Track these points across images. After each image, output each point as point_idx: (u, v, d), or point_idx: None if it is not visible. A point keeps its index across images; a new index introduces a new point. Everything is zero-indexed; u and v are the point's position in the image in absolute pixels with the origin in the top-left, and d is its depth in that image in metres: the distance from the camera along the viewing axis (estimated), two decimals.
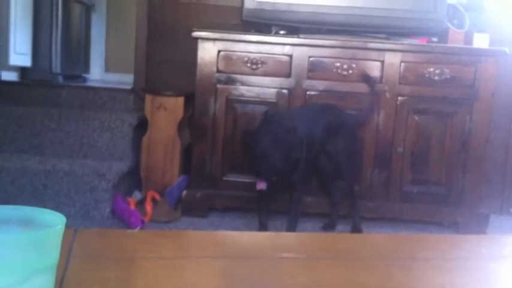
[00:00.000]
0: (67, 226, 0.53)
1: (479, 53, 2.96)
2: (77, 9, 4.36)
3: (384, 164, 2.96)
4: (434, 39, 3.12)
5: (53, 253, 0.49)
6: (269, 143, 2.35)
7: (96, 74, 5.00)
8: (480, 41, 3.04)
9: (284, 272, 0.75)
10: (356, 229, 2.77)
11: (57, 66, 3.88)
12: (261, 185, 2.39)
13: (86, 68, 4.78)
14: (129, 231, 0.95)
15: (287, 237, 1.07)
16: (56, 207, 0.53)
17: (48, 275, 0.49)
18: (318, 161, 2.67)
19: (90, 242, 0.83)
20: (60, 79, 3.90)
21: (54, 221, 0.51)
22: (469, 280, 0.78)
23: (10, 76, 3.57)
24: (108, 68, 5.15)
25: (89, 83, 4.42)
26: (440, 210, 2.98)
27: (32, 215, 0.53)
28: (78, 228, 0.83)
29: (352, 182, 2.81)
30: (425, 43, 3.07)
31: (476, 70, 2.93)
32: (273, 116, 2.61)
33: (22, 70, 3.73)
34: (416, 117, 2.96)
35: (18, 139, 2.98)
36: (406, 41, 3.06)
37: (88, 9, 4.75)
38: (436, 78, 2.93)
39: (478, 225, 2.94)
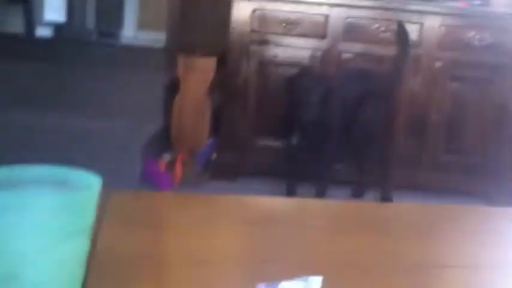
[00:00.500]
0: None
1: None
2: None
3: (418, 131, 2.91)
4: (476, 2, 3.01)
5: (88, 215, 0.49)
6: (308, 84, 2.36)
7: (130, 31, 4.98)
8: None
9: (311, 240, 0.75)
10: (386, 198, 2.74)
11: (90, 22, 3.89)
12: (295, 140, 2.41)
13: (120, 25, 4.78)
14: (161, 193, 0.95)
15: (315, 204, 1.07)
16: (87, 165, 0.53)
17: (83, 237, 0.49)
18: (350, 128, 2.63)
19: (124, 203, 0.84)
20: (94, 36, 3.91)
21: (91, 183, 0.51)
22: (501, 251, 0.77)
23: (45, 32, 3.59)
24: (141, 26, 5.14)
25: (122, 40, 4.43)
26: (472, 180, 2.93)
27: (67, 175, 0.53)
28: (112, 188, 0.84)
29: (386, 150, 2.76)
30: (466, 6, 2.97)
31: None
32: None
33: (56, 26, 3.74)
34: (453, 84, 2.88)
35: (52, 97, 3.01)
36: (447, 3, 2.95)
37: None
38: (475, 43, 2.84)
39: (511, 198, 2.89)
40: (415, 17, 2.85)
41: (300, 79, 2.41)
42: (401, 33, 2.65)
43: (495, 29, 2.84)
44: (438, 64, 2.86)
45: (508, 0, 2.98)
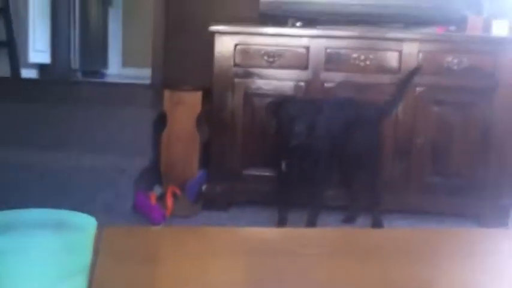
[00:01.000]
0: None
1: (499, 41, 2.93)
2: (94, 5, 4.39)
3: (404, 155, 2.95)
4: (453, 28, 3.09)
5: (85, 255, 0.50)
6: (294, 110, 2.39)
7: (114, 69, 5.03)
8: (499, 28, 3.00)
9: (306, 269, 0.76)
10: (377, 223, 2.76)
11: (75, 62, 3.92)
12: (285, 169, 2.46)
13: (104, 63, 4.82)
14: (154, 228, 0.96)
15: (308, 233, 1.08)
16: (78, 203, 0.54)
17: (81, 277, 0.50)
18: (339, 155, 2.66)
19: (117, 239, 0.84)
20: (79, 75, 3.94)
21: (86, 224, 0.52)
22: (493, 275, 0.78)
23: (30, 73, 3.61)
24: (126, 63, 5.18)
25: (107, 78, 4.46)
26: (461, 202, 2.95)
27: (63, 218, 0.54)
28: (102, 224, 0.85)
29: (375, 176, 2.79)
30: (443, 32, 3.04)
31: (496, 59, 2.89)
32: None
33: (41, 67, 3.77)
34: (436, 108, 2.93)
35: (42, 136, 3.02)
36: (424, 30, 3.03)
37: (105, 5, 4.78)
38: (455, 67, 2.90)
39: (499, 217, 2.91)
40: (393, 45, 2.91)
41: (285, 105, 2.44)
42: (407, 80, 2.73)
43: (472, 53, 2.90)
44: (419, 89, 2.91)
45: (483, 24, 3.06)
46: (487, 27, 3.04)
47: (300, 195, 2.67)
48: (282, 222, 2.60)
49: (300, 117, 2.36)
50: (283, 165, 2.46)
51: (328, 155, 2.54)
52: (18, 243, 0.47)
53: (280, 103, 2.48)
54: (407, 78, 2.76)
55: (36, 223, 0.54)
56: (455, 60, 2.90)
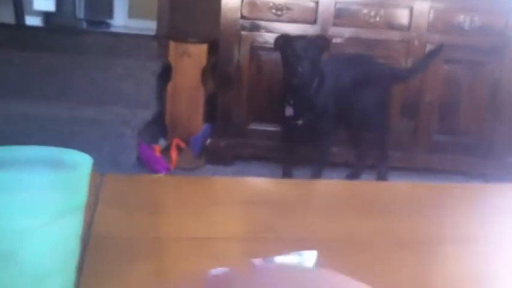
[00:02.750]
0: (94, 171, 0.53)
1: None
2: None
3: (412, 113, 2.93)
4: None
5: (80, 194, 0.50)
6: (301, 49, 2.32)
7: (120, 20, 4.96)
8: None
9: (307, 219, 0.75)
10: (381, 178, 2.76)
11: (80, 11, 3.86)
12: (290, 112, 2.41)
13: (110, 13, 4.75)
14: (155, 176, 0.96)
15: (311, 185, 1.07)
16: (82, 152, 0.53)
17: (76, 216, 0.50)
18: (347, 112, 2.64)
19: (118, 187, 0.84)
20: (84, 25, 3.89)
21: (81, 162, 0.51)
22: (497, 229, 0.78)
23: (34, 21, 3.57)
24: (131, 14, 5.11)
25: (112, 29, 4.40)
26: (468, 160, 2.95)
27: (59, 156, 0.53)
28: (106, 173, 0.84)
29: (383, 134, 2.78)
30: None
31: (508, 18, 2.84)
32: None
33: (46, 15, 3.72)
34: (445, 66, 2.90)
35: (45, 86, 3.00)
36: None
37: None
38: (466, 26, 2.85)
39: (506, 176, 2.91)
40: (404, 1, 2.85)
41: (293, 42, 2.38)
42: (436, 51, 2.71)
43: (484, 12, 2.85)
44: (429, 47, 2.87)
45: None
46: None
47: (305, 149, 2.66)
48: (286, 177, 2.61)
49: (306, 57, 2.32)
50: (288, 109, 2.42)
51: (335, 110, 2.51)
52: (14, 179, 0.46)
53: (288, 39, 2.43)
54: (429, 55, 2.75)
55: (32, 160, 0.53)
56: (467, 19, 2.85)
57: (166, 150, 2.90)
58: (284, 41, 2.41)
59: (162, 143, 3.04)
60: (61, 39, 3.30)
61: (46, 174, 0.51)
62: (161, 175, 2.25)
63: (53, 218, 0.47)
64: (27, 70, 3.01)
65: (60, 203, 0.47)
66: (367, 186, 1.10)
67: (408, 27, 2.86)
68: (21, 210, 0.46)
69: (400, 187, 1.06)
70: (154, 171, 2.63)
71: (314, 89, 2.41)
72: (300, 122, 2.46)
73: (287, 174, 2.63)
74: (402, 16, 2.86)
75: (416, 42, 2.86)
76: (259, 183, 0.98)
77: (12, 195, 0.45)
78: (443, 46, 2.75)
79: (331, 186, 1.01)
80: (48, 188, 0.47)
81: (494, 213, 0.83)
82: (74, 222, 0.50)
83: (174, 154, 2.83)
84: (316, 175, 2.55)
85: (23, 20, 3.35)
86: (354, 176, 2.84)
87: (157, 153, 2.75)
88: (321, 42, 2.44)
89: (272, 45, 2.79)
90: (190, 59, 3.07)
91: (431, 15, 2.85)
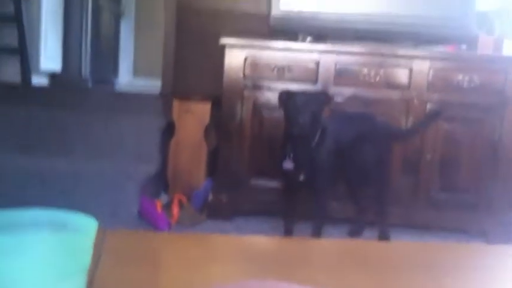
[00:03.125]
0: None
1: (509, 60, 2.93)
2: (106, 15, 4.43)
3: (412, 170, 2.94)
4: (463, 46, 3.09)
5: (84, 257, 0.50)
6: (302, 102, 2.36)
7: (125, 78, 5.06)
8: (510, 48, 3.00)
9: (309, 279, 0.75)
10: (384, 236, 2.74)
11: (86, 71, 3.94)
12: (289, 165, 2.41)
13: (115, 72, 4.85)
14: (157, 232, 0.96)
15: (313, 243, 1.07)
16: (85, 208, 0.54)
17: (79, 278, 0.50)
18: (347, 168, 2.65)
19: (120, 242, 0.84)
20: (90, 84, 3.96)
21: (87, 225, 0.52)
22: None
23: (41, 80, 3.64)
24: (136, 73, 5.22)
25: (117, 88, 4.48)
26: (467, 217, 2.94)
27: (65, 218, 0.54)
28: (106, 228, 0.85)
29: (383, 191, 2.78)
30: (454, 50, 3.04)
31: (506, 77, 2.89)
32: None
33: (52, 75, 3.79)
34: (445, 124, 2.93)
35: (48, 141, 3.03)
36: (435, 48, 3.03)
37: (117, 16, 4.83)
38: (465, 85, 2.90)
39: (506, 234, 2.89)
40: (403, 62, 2.91)
41: (295, 96, 2.42)
42: (435, 114, 2.81)
43: (483, 71, 2.91)
44: (429, 105, 2.91)
45: (494, 44, 3.07)
46: (498, 46, 3.04)
47: (305, 206, 2.66)
48: (287, 233, 2.59)
49: (307, 110, 2.35)
50: (288, 163, 2.43)
51: (335, 167, 2.53)
52: (19, 243, 0.47)
53: (291, 93, 2.48)
54: (428, 118, 2.83)
55: (37, 223, 0.54)
56: (466, 78, 2.90)
57: (167, 205, 2.90)
58: (287, 96, 2.46)
59: (164, 197, 3.04)
60: (66, 97, 3.36)
61: (51, 237, 0.52)
62: (162, 232, 2.24)
63: (56, 281, 0.47)
64: (31, 126, 3.05)
65: (63, 266, 0.48)
66: (367, 245, 1.10)
67: (408, 86, 2.91)
68: (25, 274, 0.46)
69: (400, 246, 1.06)
70: (156, 226, 2.62)
71: (315, 144, 2.42)
72: (301, 178, 2.46)
73: (288, 231, 2.62)
74: (402, 76, 2.92)
75: (416, 101, 2.90)
76: (259, 241, 0.98)
77: (17, 259, 0.46)
78: (442, 111, 2.82)
79: (331, 245, 1.01)
80: (52, 252, 0.47)
81: (493, 275, 0.83)
82: (77, 285, 0.50)
83: (175, 209, 2.83)
84: (317, 231, 2.53)
85: (30, 79, 3.42)
86: (355, 232, 2.82)
87: (159, 208, 2.75)
88: (322, 97, 2.48)
89: (274, 104, 2.84)
90: (194, 116, 3.11)
91: (430, 74, 2.91)
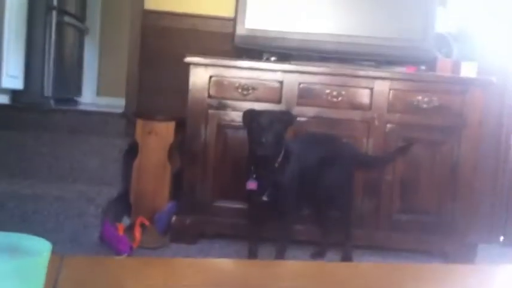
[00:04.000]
0: (55, 252, 0.53)
1: (467, 82, 3.00)
2: (70, 33, 4.38)
3: (373, 192, 2.97)
4: (423, 68, 3.17)
5: (37, 281, 0.49)
6: (265, 122, 2.37)
7: (88, 97, 5.00)
8: (468, 70, 3.08)
9: None
10: (347, 258, 2.76)
11: (49, 89, 3.88)
12: (252, 185, 2.42)
13: (78, 91, 4.79)
14: (117, 258, 0.94)
15: (277, 266, 1.07)
16: (45, 232, 0.53)
17: None
18: (311, 190, 2.67)
19: (78, 269, 0.82)
20: (52, 102, 3.90)
21: (40, 248, 0.51)
22: None
23: (1, 99, 3.56)
24: (100, 92, 5.16)
25: (80, 107, 4.42)
26: (428, 239, 2.98)
27: (18, 241, 0.53)
28: (66, 254, 0.83)
29: (347, 213, 2.81)
30: (413, 71, 3.12)
31: (464, 99, 2.96)
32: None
33: (14, 93, 3.72)
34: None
35: (8, 163, 2.97)
36: (395, 69, 3.10)
37: (81, 34, 4.78)
38: (424, 106, 2.96)
39: (467, 255, 2.94)
40: (365, 82, 2.96)
41: (258, 116, 2.43)
42: (405, 148, 2.88)
43: (442, 93, 2.97)
44: (389, 126, 2.96)
45: (453, 66, 3.15)
46: (456, 69, 3.12)
47: (269, 228, 2.66)
48: (252, 256, 2.58)
49: (270, 130, 2.36)
50: (252, 183, 2.44)
51: (299, 188, 2.54)
52: None
53: (255, 113, 2.49)
54: (399, 151, 2.89)
55: None
56: (425, 99, 2.96)
57: (130, 229, 2.85)
58: (251, 115, 2.47)
59: (126, 221, 3.00)
60: (28, 117, 3.30)
61: (3, 260, 0.51)
62: (123, 257, 2.20)
63: None
64: None
65: None
66: (331, 267, 1.10)
67: (369, 107, 2.96)
68: None
69: (362, 267, 1.07)
70: (117, 250, 2.57)
71: (278, 164, 2.43)
72: (264, 198, 2.47)
73: (252, 253, 2.61)
74: (363, 96, 2.96)
75: (376, 122, 2.95)
76: (224, 265, 0.97)
77: None
78: (413, 144, 2.88)
79: (295, 267, 1.01)
80: (5, 276, 0.46)
81: None
82: None
83: (137, 233, 2.79)
84: (280, 253, 2.54)
85: None
86: (319, 254, 2.83)
87: (121, 232, 2.70)
88: (286, 117, 2.50)
89: (238, 123, 2.85)
90: (157, 136, 3.09)
91: (391, 95, 2.96)
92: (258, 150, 2.37)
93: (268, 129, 2.36)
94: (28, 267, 0.48)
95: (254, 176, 2.45)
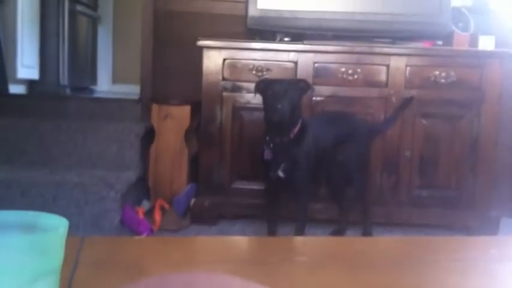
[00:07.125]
0: (75, 234, 0.53)
1: (485, 55, 2.96)
2: (83, 21, 4.39)
3: (392, 168, 2.96)
4: (440, 43, 3.12)
5: (55, 257, 0.50)
6: (281, 90, 2.35)
7: (104, 85, 5.03)
8: (485, 44, 3.04)
9: (293, 277, 0.75)
10: (367, 235, 2.76)
11: (64, 78, 3.91)
12: (268, 155, 2.41)
13: (93, 79, 4.81)
14: (137, 238, 0.95)
15: (296, 242, 1.07)
16: (66, 218, 0.53)
17: (52, 279, 0.49)
18: (328, 169, 2.66)
19: (98, 249, 0.83)
20: (68, 91, 3.93)
21: (57, 225, 0.51)
22: (479, 282, 0.78)
23: (18, 89, 3.60)
24: (115, 79, 5.18)
25: (96, 95, 4.45)
26: (450, 214, 2.96)
27: (35, 219, 0.53)
28: (84, 236, 0.83)
29: (364, 189, 2.79)
30: (430, 46, 3.07)
31: (482, 72, 2.92)
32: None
33: (30, 83, 3.75)
34: (423, 121, 2.95)
35: (28, 151, 3.00)
36: (411, 44, 3.06)
37: (94, 22, 4.79)
38: (442, 81, 2.93)
39: (489, 229, 2.92)
40: (381, 59, 2.93)
41: (273, 84, 2.42)
42: (405, 103, 2.80)
43: (459, 67, 2.93)
44: None
45: (470, 40, 3.10)
46: (473, 43, 3.07)
47: (288, 207, 2.66)
48: (271, 235, 2.59)
49: (285, 96, 2.34)
50: (268, 153, 2.42)
51: (316, 167, 2.53)
52: None
53: (269, 81, 2.47)
54: (401, 107, 2.82)
55: (6, 225, 0.53)
56: (443, 74, 2.92)
57: (150, 212, 2.88)
58: (265, 84, 2.45)
59: (146, 204, 3.02)
60: (45, 105, 3.32)
61: (21, 237, 0.51)
62: (142, 237, 2.22)
63: (28, 282, 0.47)
64: (10, 136, 3.02)
65: (34, 266, 0.47)
66: (350, 241, 1.10)
67: (386, 84, 2.93)
68: None
69: (383, 242, 1.06)
70: (138, 233, 2.60)
71: (294, 135, 2.41)
72: (280, 174, 2.45)
73: (272, 232, 2.62)
74: (379, 73, 2.93)
75: (394, 99, 2.92)
76: (243, 242, 0.97)
77: None
78: (413, 98, 2.82)
79: (314, 243, 1.01)
80: (21, 251, 0.47)
81: (476, 266, 0.83)
82: (50, 286, 0.49)
83: (157, 215, 2.81)
84: (299, 232, 2.53)
85: (7, 88, 3.38)
86: (338, 232, 2.83)
87: (141, 216, 2.73)
88: (302, 84, 2.48)
89: (254, 105, 2.84)
90: (173, 120, 3.10)
91: (407, 71, 2.93)
92: (273, 116, 2.34)
93: (283, 96, 2.34)
94: (45, 243, 0.49)
95: (270, 145, 2.42)
